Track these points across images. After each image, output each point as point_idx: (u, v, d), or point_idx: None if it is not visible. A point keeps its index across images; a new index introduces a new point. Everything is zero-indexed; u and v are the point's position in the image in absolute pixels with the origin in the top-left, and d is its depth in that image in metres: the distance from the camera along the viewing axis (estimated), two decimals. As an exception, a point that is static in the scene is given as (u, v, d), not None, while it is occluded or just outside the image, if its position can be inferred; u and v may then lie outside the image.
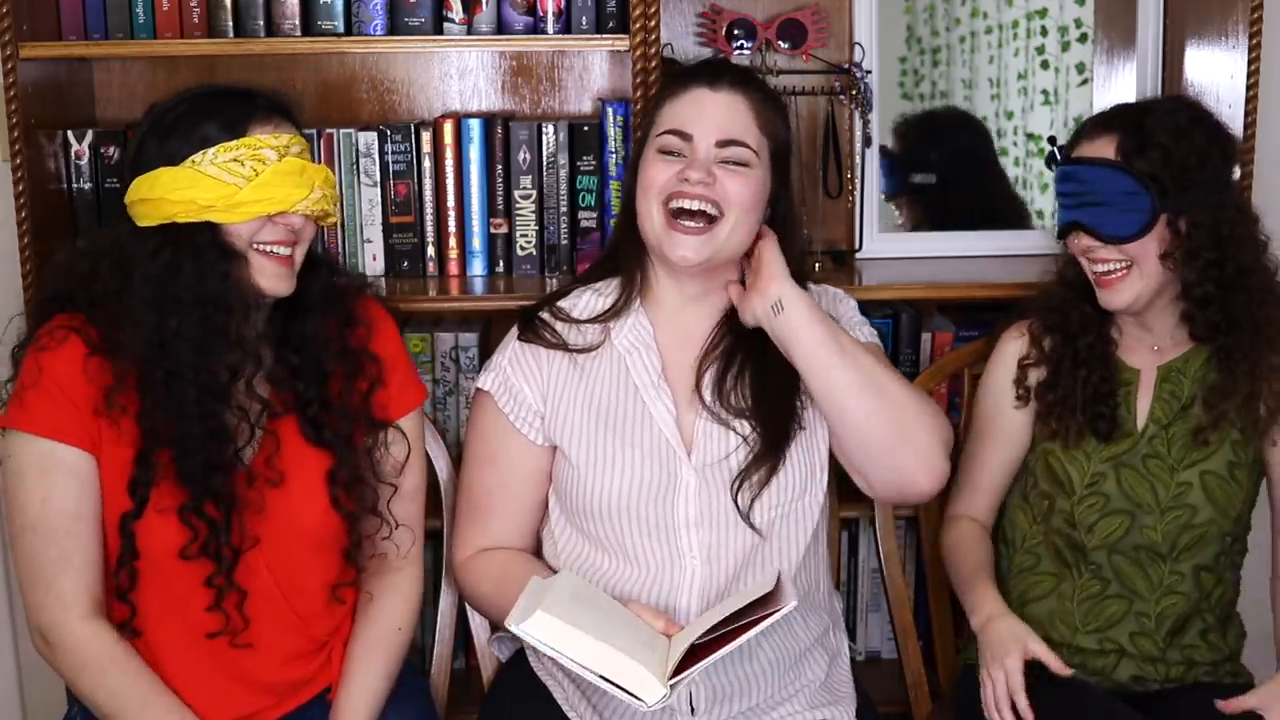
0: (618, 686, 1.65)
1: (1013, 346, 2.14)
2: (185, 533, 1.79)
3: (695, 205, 1.88)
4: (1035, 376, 2.11)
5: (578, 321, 2.00)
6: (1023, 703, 1.90)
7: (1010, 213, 2.76)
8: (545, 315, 2.02)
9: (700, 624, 1.75)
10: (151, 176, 1.80)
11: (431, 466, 2.15)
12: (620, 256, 2.02)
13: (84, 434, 1.79)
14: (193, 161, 1.79)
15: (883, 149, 2.67)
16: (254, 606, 1.86)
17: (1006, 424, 2.13)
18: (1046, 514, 2.09)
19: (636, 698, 1.65)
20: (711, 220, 1.89)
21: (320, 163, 2.44)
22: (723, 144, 1.89)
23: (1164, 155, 1.95)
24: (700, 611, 1.90)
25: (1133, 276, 1.99)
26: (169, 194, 1.79)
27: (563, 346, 1.99)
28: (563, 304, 2.03)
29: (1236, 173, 2.09)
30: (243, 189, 1.79)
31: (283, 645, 1.91)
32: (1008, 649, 1.94)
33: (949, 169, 2.75)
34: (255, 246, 1.82)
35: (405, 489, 1.98)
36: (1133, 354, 2.09)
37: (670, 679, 1.66)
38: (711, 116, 1.90)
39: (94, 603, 1.81)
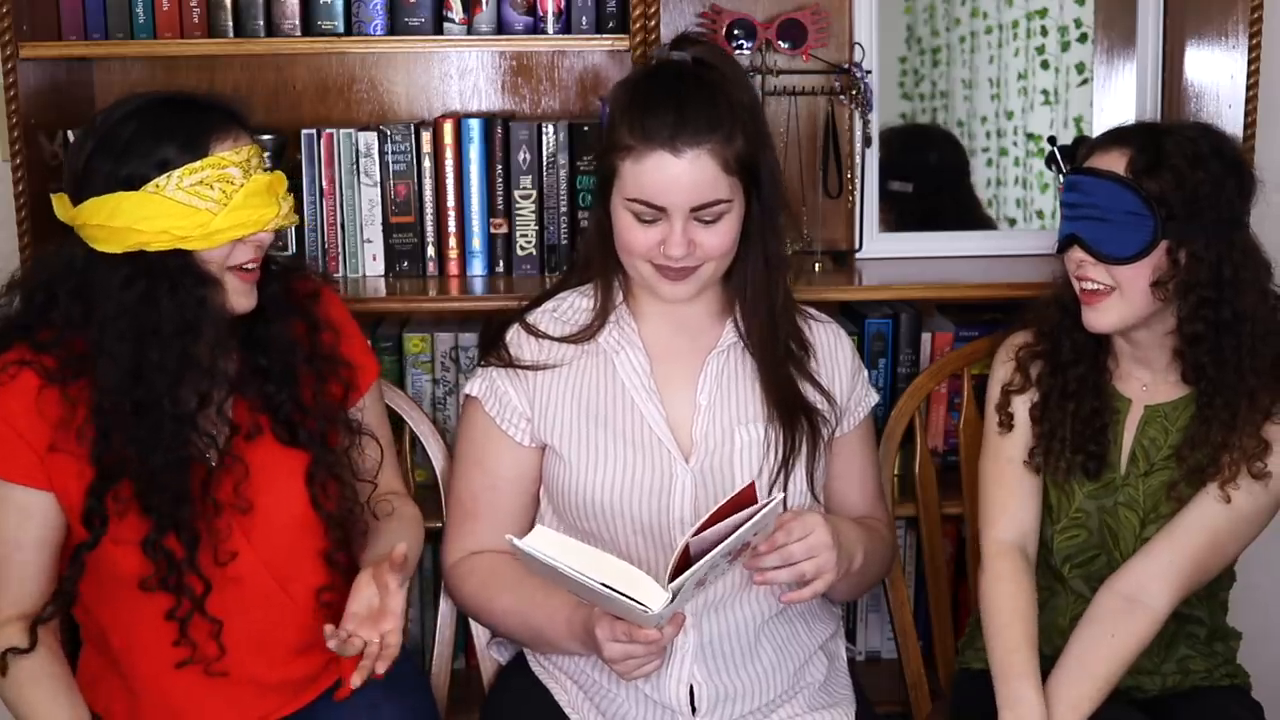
0: (620, 594, 1.65)
1: (1000, 371, 2.09)
2: (147, 565, 1.79)
3: (678, 265, 1.88)
4: (1019, 403, 2.06)
5: (553, 339, 1.98)
6: None
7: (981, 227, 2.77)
8: (514, 334, 2.00)
9: (687, 533, 1.73)
10: (109, 202, 1.75)
11: (432, 467, 2.15)
12: (593, 267, 2.00)
13: (36, 473, 1.79)
14: (156, 186, 1.75)
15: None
16: (248, 608, 1.85)
17: (1006, 442, 2.07)
18: None
19: (640, 604, 1.65)
20: (697, 265, 1.89)
21: (318, 162, 2.47)
22: (697, 208, 1.85)
23: (1176, 179, 1.87)
24: (694, 610, 1.91)
25: (1113, 299, 1.93)
26: (136, 223, 1.75)
27: (534, 367, 1.98)
28: (539, 314, 2.01)
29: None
30: (217, 214, 1.76)
31: (286, 640, 1.90)
32: None
33: (925, 182, 2.75)
34: (228, 267, 1.80)
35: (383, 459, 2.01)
36: (1125, 385, 2.04)
37: (669, 582, 1.66)
38: (681, 188, 1.83)
39: (18, 614, 1.81)
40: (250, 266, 1.82)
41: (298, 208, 1.96)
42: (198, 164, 1.76)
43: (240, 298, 1.83)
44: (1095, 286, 1.94)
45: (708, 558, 1.66)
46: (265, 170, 1.83)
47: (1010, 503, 2.05)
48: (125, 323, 1.76)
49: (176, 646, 1.83)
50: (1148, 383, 2.03)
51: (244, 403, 1.88)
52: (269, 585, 1.87)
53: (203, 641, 1.83)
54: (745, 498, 1.71)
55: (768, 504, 1.70)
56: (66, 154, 2.35)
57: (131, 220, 1.75)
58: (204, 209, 1.76)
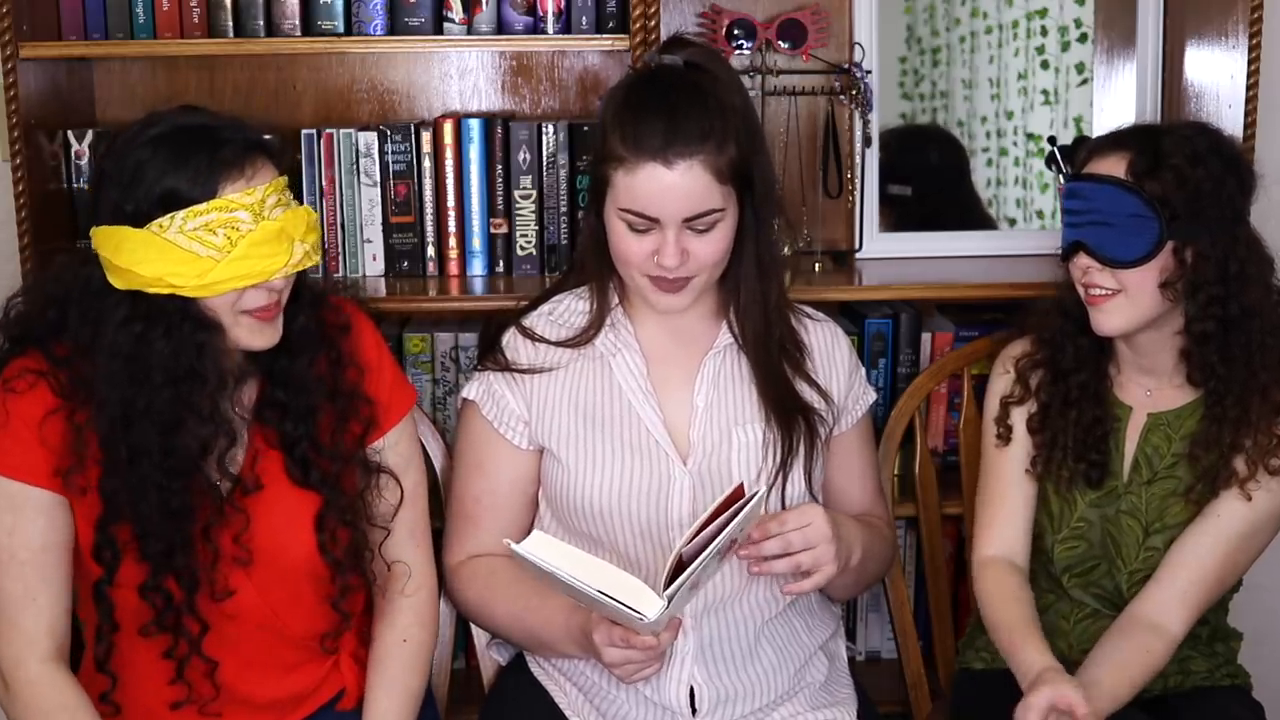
0: (616, 601, 1.65)
1: (999, 384, 2.08)
2: (145, 610, 1.75)
3: (672, 275, 1.87)
4: (1017, 415, 2.05)
5: (549, 342, 1.98)
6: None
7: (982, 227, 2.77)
8: (510, 338, 2.00)
9: (680, 541, 1.73)
10: (115, 235, 1.68)
11: (432, 467, 2.15)
12: (589, 270, 1.99)
13: (55, 479, 1.73)
14: (160, 226, 1.66)
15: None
16: (243, 644, 1.83)
17: (1002, 456, 2.08)
18: (1036, 538, 2.07)
19: (636, 612, 1.65)
20: (691, 277, 1.88)
21: (318, 162, 2.47)
22: (690, 218, 1.84)
23: (1177, 179, 1.86)
24: (693, 611, 1.91)
25: (1120, 300, 1.91)
26: (136, 265, 1.67)
27: (531, 371, 1.97)
28: (535, 317, 2.01)
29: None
30: (218, 263, 1.67)
31: (281, 662, 1.89)
32: (1040, 690, 1.81)
33: (924, 183, 2.75)
34: (236, 310, 1.72)
35: (406, 499, 1.93)
36: (1127, 392, 2.04)
37: (664, 590, 1.66)
38: (673, 200, 1.82)
39: (56, 646, 1.75)
40: (265, 308, 1.74)
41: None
42: (202, 206, 1.66)
43: (256, 336, 1.75)
44: (1102, 292, 1.93)
45: (699, 560, 1.66)
46: (285, 207, 1.73)
47: (999, 517, 2.06)
48: (118, 365, 1.69)
49: (172, 685, 1.79)
50: (1151, 389, 2.02)
51: (259, 438, 1.82)
52: (267, 620, 1.84)
53: (198, 681, 1.80)
54: (735, 498, 1.72)
55: (751, 498, 1.70)
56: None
57: (131, 261, 1.67)
58: (205, 256, 1.67)
